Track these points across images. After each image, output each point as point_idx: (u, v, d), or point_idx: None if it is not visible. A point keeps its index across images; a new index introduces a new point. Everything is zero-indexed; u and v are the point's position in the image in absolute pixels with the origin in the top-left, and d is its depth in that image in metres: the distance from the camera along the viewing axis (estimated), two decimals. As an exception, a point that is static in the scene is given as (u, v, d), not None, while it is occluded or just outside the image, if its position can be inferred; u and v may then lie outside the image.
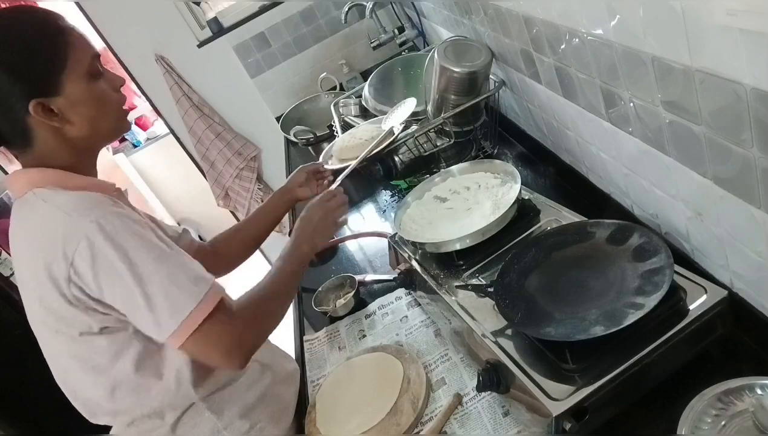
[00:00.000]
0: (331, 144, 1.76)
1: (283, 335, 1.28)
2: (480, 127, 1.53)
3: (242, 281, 1.57)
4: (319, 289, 1.37)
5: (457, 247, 1.06)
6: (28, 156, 0.91)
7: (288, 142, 2.47)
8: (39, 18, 0.87)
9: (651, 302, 0.75)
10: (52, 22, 0.87)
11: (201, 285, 0.86)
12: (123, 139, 4.32)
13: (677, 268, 0.81)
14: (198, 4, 2.65)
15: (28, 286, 0.88)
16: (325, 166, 1.45)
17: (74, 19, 2.58)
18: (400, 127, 1.48)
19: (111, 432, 0.98)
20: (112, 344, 0.89)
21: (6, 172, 2.22)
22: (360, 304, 1.33)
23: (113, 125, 0.95)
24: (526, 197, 1.13)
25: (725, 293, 0.77)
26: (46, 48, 0.85)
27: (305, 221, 1.15)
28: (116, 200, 0.90)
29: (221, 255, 1.33)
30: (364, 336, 1.23)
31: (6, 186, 0.92)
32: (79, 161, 0.93)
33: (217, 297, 0.87)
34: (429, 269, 1.10)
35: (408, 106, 1.54)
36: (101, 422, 0.98)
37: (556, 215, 1.07)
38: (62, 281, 0.83)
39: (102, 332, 0.88)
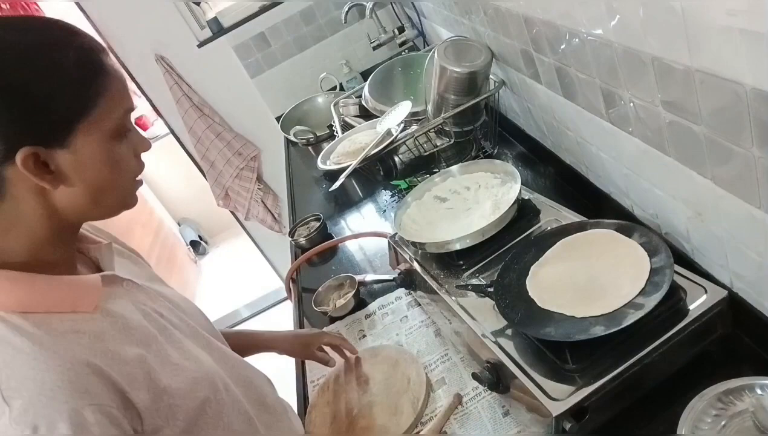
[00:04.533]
0: (330, 145, 1.76)
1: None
2: (480, 127, 1.53)
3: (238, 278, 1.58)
4: (319, 289, 1.37)
5: (457, 247, 1.06)
6: None
7: (288, 142, 2.47)
8: (80, 44, 0.65)
9: (651, 302, 0.75)
10: (94, 56, 0.66)
11: None
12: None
13: (677, 268, 0.81)
14: (198, 4, 2.65)
15: None
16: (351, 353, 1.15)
17: (74, 19, 2.58)
18: (399, 128, 1.48)
19: None
20: None
21: None
22: (360, 304, 1.33)
23: (119, 200, 0.73)
24: (526, 197, 1.13)
25: (725, 292, 0.77)
26: (74, 86, 0.63)
27: None
28: (93, 359, 0.64)
29: None
30: (364, 336, 1.23)
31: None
32: (53, 243, 0.69)
33: None
34: (429, 269, 1.10)
35: (402, 109, 1.54)
36: None
37: (556, 215, 1.07)
38: None
39: None
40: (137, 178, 0.75)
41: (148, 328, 0.75)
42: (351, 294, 1.31)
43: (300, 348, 1.17)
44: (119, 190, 0.72)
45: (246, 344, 1.11)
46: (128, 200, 0.74)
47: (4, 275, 0.65)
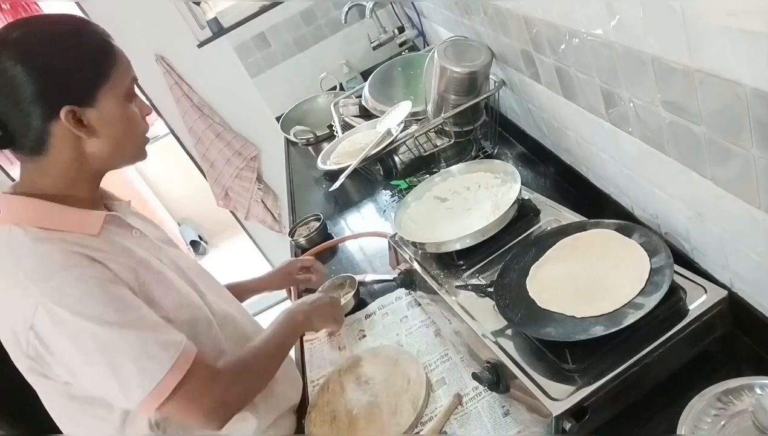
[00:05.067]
0: (330, 145, 1.76)
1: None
2: (480, 127, 1.53)
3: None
4: (319, 289, 1.37)
5: (457, 247, 1.06)
6: (32, 163, 0.87)
7: (288, 142, 2.47)
8: (93, 30, 0.89)
9: (651, 302, 0.75)
10: (104, 39, 0.89)
11: (171, 350, 0.82)
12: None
13: (677, 268, 0.81)
14: (198, 4, 2.65)
15: (5, 333, 0.83)
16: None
17: (74, 19, 2.60)
18: (399, 128, 1.48)
19: None
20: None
21: (12, 179, 2.21)
22: (360, 304, 1.33)
23: (134, 151, 0.94)
24: (526, 197, 1.13)
25: (725, 292, 0.77)
26: (94, 61, 0.86)
27: (313, 299, 1.16)
28: (93, 256, 0.83)
29: None
30: (364, 336, 1.23)
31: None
32: (79, 182, 0.90)
33: (188, 361, 0.84)
34: (429, 269, 1.10)
35: (402, 109, 1.54)
36: None
37: (556, 215, 1.07)
38: (23, 344, 0.81)
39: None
40: (145, 136, 0.96)
41: (147, 257, 0.92)
42: (351, 294, 1.31)
43: (283, 279, 1.40)
44: (133, 143, 0.93)
45: (238, 293, 1.27)
46: (140, 153, 0.96)
47: (33, 201, 0.85)
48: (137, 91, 0.96)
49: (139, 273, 0.88)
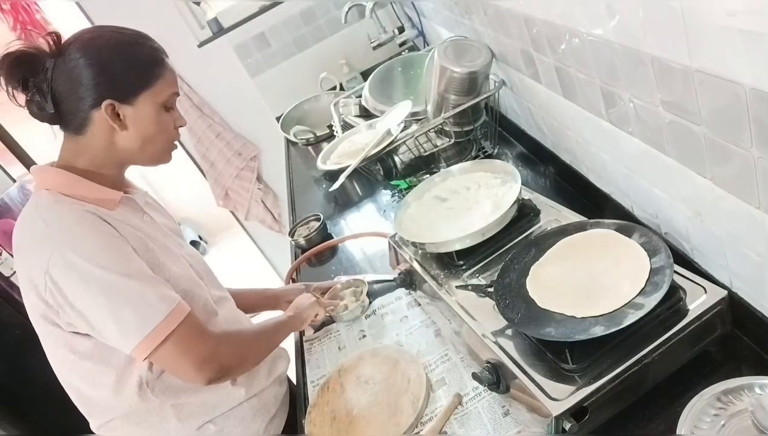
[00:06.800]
0: (330, 145, 1.76)
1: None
2: (480, 127, 1.53)
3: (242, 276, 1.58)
4: (326, 296, 1.35)
5: (457, 247, 1.06)
6: (71, 141, 1.00)
7: (288, 142, 2.47)
8: (151, 45, 1.02)
9: (651, 302, 0.75)
10: (158, 54, 1.02)
11: (167, 302, 0.92)
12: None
13: (677, 268, 0.81)
14: (198, 4, 2.65)
15: (24, 280, 0.94)
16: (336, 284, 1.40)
17: (74, 19, 2.59)
18: (399, 128, 1.48)
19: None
20: (97, 346, 0.96)
21: (12, 179, 2.26)
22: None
23: (157, 152, 1.05)
24: (526, 197, 1.13)
25: (725, 292, 0.77)
26: (143, 68, 0.99)
27: (295, 302, 1.28)
28: (104, 218, 0.95)
29: None
30: (364, 336, 1.23)
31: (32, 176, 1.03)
32: (106, 166, 1.01)
33: (182, 313, 0.93)
34: (429, 269, 1.10)
35: (402, 109, 1.54)
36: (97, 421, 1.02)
37: (556, 215, 1.07)
38: (41, 288, 0.90)
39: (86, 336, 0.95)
40: (173, 143, 1.07)
41: (153, 234, 1.03)
42: (363, 294, 1.29)
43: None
44: (159, 145, 1.04)
45: (248, 302, 1.32)
46: (164, 155, 1.07)
47: (64, 173, 0.98)
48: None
49: (146, 242, 0.99)
